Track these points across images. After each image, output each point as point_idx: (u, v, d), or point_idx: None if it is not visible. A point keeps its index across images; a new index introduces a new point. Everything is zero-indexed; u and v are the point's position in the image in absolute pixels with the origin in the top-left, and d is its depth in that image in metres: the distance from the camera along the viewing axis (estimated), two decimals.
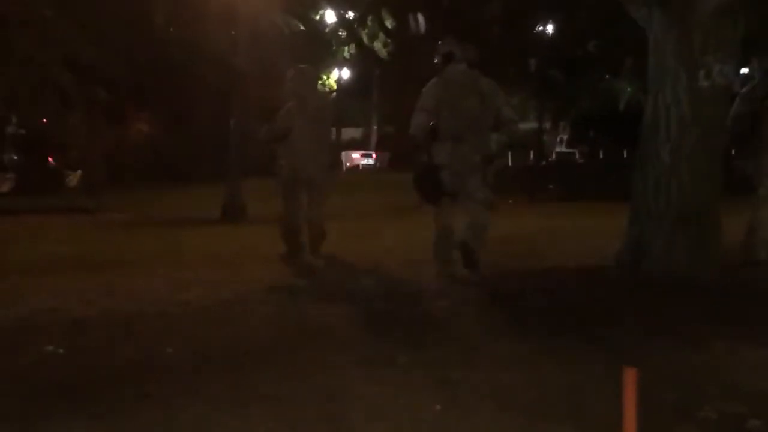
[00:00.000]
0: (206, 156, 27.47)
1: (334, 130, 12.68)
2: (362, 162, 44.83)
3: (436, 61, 8.47)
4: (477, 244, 8.34)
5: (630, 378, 3.91)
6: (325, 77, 45.32)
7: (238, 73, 26.91)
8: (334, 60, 39.09)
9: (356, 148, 47.49)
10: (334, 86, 53.82)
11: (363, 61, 39.63)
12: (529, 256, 10.12)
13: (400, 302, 7.64)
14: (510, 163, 34.24)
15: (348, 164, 43.21)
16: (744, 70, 9.95)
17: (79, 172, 24.08)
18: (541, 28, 34.71)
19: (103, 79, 23.93)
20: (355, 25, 36.03)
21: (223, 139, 21.28)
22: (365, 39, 36.58)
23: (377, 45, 37.90)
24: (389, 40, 35.94)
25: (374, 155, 46.12)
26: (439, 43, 8.62)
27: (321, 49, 36.55)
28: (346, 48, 39.14)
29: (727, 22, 7.74)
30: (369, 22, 35.77)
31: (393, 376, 5.32)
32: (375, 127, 47.89)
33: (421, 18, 34.46)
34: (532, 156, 36.97)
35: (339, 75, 45.42)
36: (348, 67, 46.50)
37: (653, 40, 8.03)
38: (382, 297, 7.88)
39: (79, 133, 26.13)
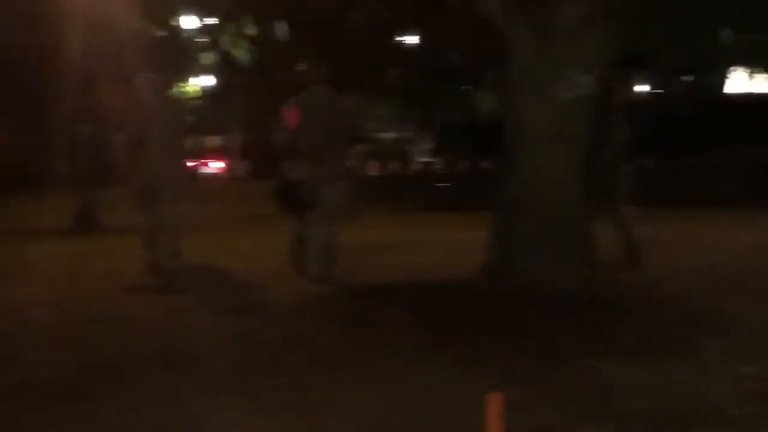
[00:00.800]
0: (60, 162, 26.41)
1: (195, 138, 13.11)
2: (211, 170, 43.90)
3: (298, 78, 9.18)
4: (334, 254, 8.87)
5: (494, 403, 3.71)
6: (185, 85, 44.58)
7: (92, 78, 26.09)
8: (195, 67, 38.47)
9: (216, 156, 46.67)
10: (198, 93, 53.02)
11: (226, 69, 39.07)
12: (394, 269, 9.92)
13: (260, 319, 7.33)
14: (376, 173, 34.27)
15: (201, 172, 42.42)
16: None
17: None
18: (404, 38, 34.80)
19: None
20: (216, 32, 35.54)
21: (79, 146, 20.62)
22: (226, 45, 36.12)
23: (239, 52, 37.47)
24: (251, 47, 35.53)
25: (224, 163, 45.35)
26: (299, 66, 9.48)
27: (181, 55, 35.89)
28: (206, 55, 38.59)
29: (589, 32, 7.63)
30: (229, 29, 35.31)
31: (248, 401, 5.00)
32: (237, 135, 47.18)
33: (283, 26, 34.12)
34: (394, 166, 37.06)
35: (200, 83, 44.64)
36: (212, 75, 45.81)
37: (515, 51, 7.89)
38: (241, 313, 7.55)
39: None
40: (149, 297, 8.59)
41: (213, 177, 42.39)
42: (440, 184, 27.42)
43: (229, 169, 42.97)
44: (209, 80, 47.24)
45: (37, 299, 8.37)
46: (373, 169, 38.13)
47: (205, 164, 44.69)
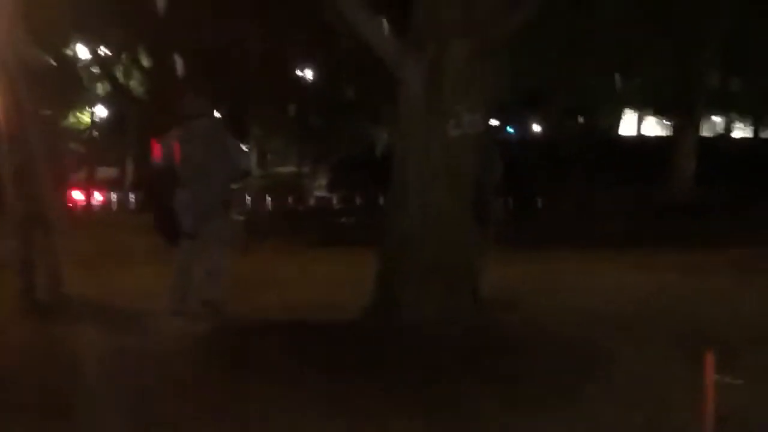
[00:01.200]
0: None
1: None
2: (99, 201, 42.74)
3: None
4: (215, 289, 8.82)
5: None
6: (78, 115, 43.71)
7: None
8: (88, 96, 37.75)
9: (106, 187, 45.47)
10: (89, 123, 52.00)
11: (119, 99, 38.47)
12: (280, 306, 9.68)
13: (132, 361, 7.01)
14: (270, 207, 33.97)
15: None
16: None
17: None
18: (301, 72, 34.76)
19: None
20: (109, 63, 34.89)
21: None
22: (119, 76, 35.52)
23: (132, 83, 36.91)
24: (144, 78, 35.00)
25: (114, 194, 44.24)
26: (184, 101, 9.45)
27: (73, 85, 35.15)
28: (99, 85, 37.93)
29: (478, 69, 7.57)
30: (123, 60, 34.77)
31: None
32: (129, 166, 46.29)
33: (178, 59, 33.61)
34: (291, 200, 36.82)
35: (93, 112, 43.83)
36: (105, 105, 45.06)
37: (404, 86, 7.77)
38: (110, 354, 7.22)
39: None
40: (22, 329, 8.19)
41: (102, 208, 41.31)
42: (339, 219, 27.31)
43: (119, 200, 41.96)
44: (102, 110, 46.48)
45: None
46: (268, 203, 37.80)
47: (93, 195, 43.59)
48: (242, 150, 9.56)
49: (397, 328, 7.52)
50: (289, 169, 47.76)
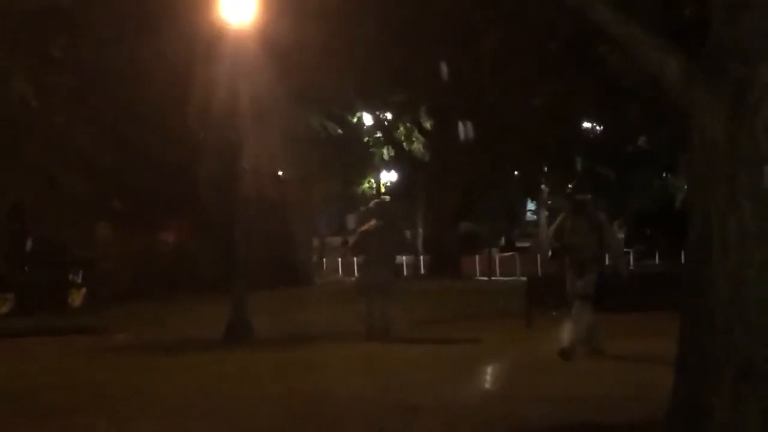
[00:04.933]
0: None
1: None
2: None
3: None
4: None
5: None
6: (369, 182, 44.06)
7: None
8: (372, 163, 37.71)
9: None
10: (383, 189, 52.51)
11: (404, 163, 38.21)
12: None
13: None
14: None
15: None
16: None
17: (84, 289, 22.47)
18: (589, 124, 33.02)
19: (122, 185, 22.67)
20: (392, 127, 34.60)
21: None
22: (402, 140, 35.17)
23: (415, 146, 36.48)
24: (427, 142, 34.45)
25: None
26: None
27: (359, 151, 35.18)
28: (384, 150, 37.81)
29: None
30: (405, 124, 34.36)
31: None
32: (420, 229, 46.18)
33: (468, 124, 32.71)
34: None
35: (380, 179, 44.11)
36: (390, 170, 45.27)
37: (697, 127, 5.89)
38: None
39: (101, 244, 24.79)
40: None
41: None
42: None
43: (408, 264, 41.64)
44: (391, 176, 46.69)
45: None
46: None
47: None
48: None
49: None
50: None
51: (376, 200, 16.20)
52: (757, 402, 5.56)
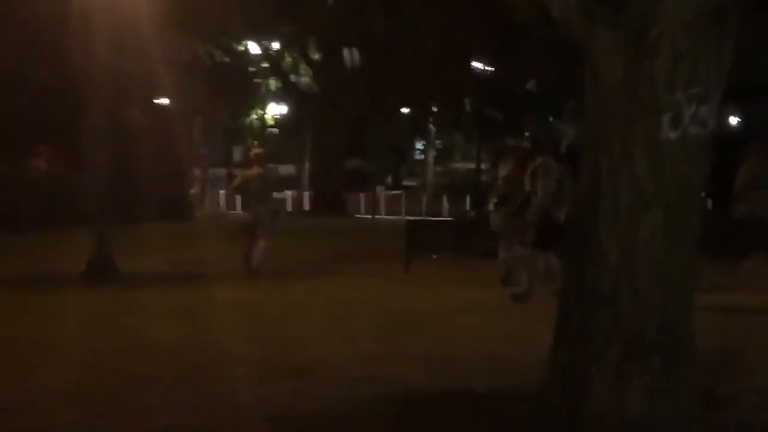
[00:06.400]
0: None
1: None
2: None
3: None
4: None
5: None
6: (258, 113, 42.97)
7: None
8: (258, 94, 36.76)
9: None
10: (269, 122, 51.47)
11: (291, 96, 37.29)
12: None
13: None
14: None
15: None
16: None
17: None
18: (479, 65, 32.55)
19: None
20: (278, 57, 33.55)
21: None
22: (288, 72, 34.21)
23: (303, 79, 35.56)
24: (315, 74, 33.56)
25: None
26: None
27: (244, 82, 34.15)
28: (270, 81, 36.79)
29: (708, 39, 4.98)
30: (290, 55, 33.38)
31: None
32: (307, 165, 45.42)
33: (354, 52, 32.02)
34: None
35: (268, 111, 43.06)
36: (281, 103, 44.26)
37: (592, 68, 5.21)
38: None
39: None
40: None
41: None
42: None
43: (293, 199, 40.89)
44: (280, 108, 45.63)
45: None
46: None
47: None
48: None
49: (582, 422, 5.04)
50: (467, 165, 45.72)
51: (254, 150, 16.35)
52: (644, 379, 4.99)
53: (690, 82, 4.97)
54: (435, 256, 15.55)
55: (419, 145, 53.01)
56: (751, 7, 7.04)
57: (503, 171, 12.36)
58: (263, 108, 42.87)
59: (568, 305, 5.24)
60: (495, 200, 12.21)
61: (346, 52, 31.85)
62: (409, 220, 17.24)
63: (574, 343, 5.14)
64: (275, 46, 33.41)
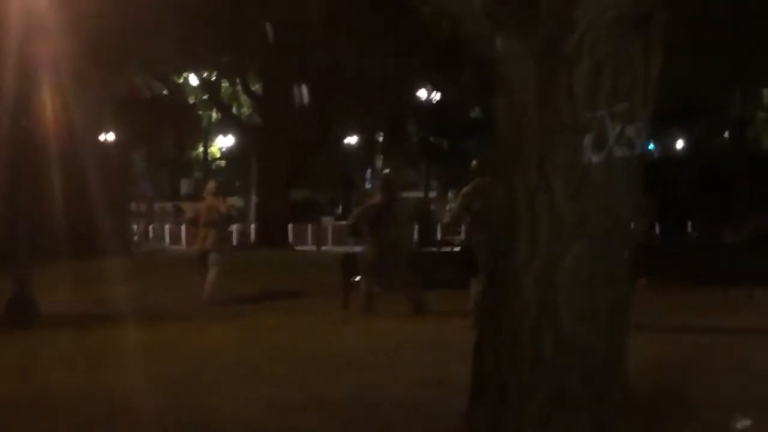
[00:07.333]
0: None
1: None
2: None
3: None
4: None
5: None
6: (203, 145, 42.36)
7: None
8: (199, 126, 36.19)
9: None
10: (218, 154, 50.75)
11: (234, 129, 36.74)
12: None
13: None
14: None
15: None
16: None
17: None
18: (423, 93, 32.21)
19: None
20: (217, 88, 32.91)
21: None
22: (228, 102, 33.60)
23: (244, 110, 35.00)
24: (257, 106, 32.96)
25: None
26: None
27: (186, 114, 33.60)
28: (212, 113, 36.25)
29: (632, 49, 4.36)
30: (230, 85, 32.76)
31: None
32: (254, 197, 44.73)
33: (301, 87, 31.43)
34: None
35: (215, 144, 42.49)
36: (227, 135, 43.68)
37: (503, 84, 4.57)
38: None
39: None
40: None
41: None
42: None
43: (240, 232, 40.17)
44: (228, 141, 45.01)
45: None
46: None
47: None
48: None
49: None
50: (415, 195, 45.35)
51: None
52: (563, 423, 4.38)
53: (614, 96, 4.35)
54: (378, 290, 14.94)
55: (368, 175, 52.67)
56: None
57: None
58: (209, 140, 42.35)
59: (485, 351, 4.61)
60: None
61: (288, 81, 31.40)
62: (346, 254, 16.55)
63: (492, 395, 4.52)
64: (214, 77, 32.89)
